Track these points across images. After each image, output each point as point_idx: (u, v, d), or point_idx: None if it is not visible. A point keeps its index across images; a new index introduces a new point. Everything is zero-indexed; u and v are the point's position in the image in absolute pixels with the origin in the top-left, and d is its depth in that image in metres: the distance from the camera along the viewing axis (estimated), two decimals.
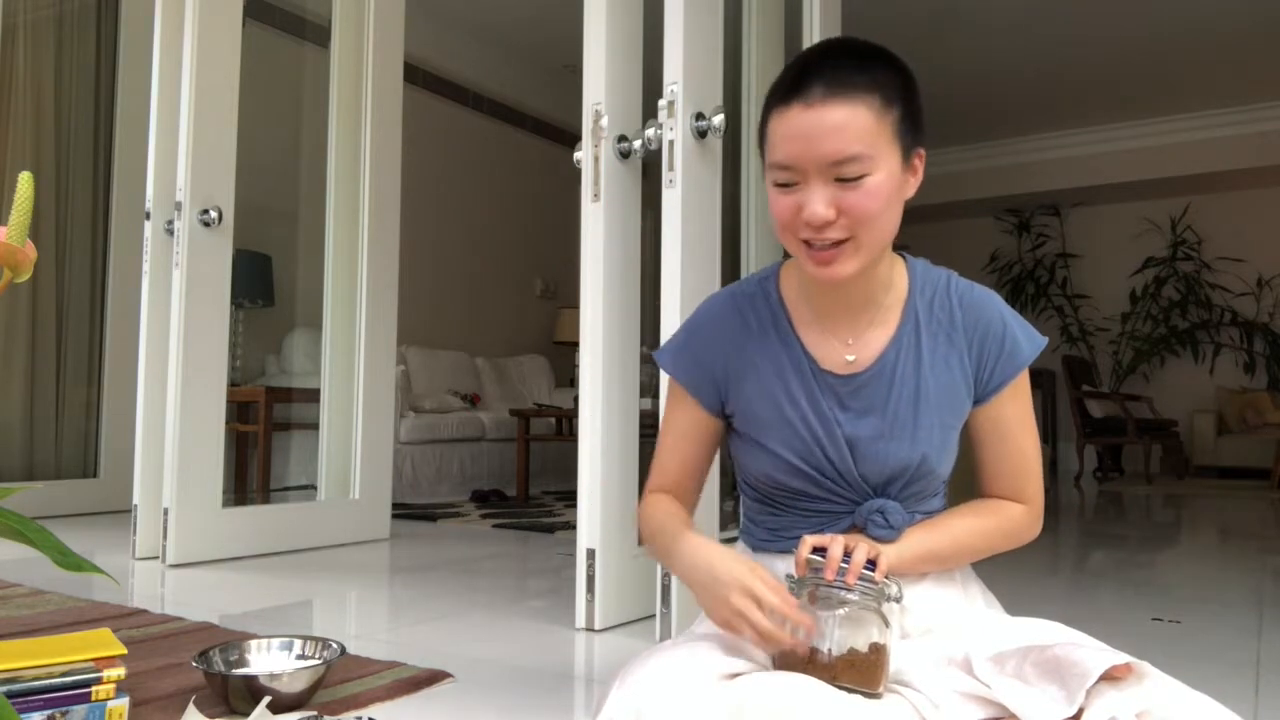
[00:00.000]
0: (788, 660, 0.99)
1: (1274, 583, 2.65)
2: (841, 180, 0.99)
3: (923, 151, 1.07)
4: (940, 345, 1.12)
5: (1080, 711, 0.85)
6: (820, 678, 0.95)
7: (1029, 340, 1.13)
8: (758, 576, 0.98)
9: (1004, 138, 7.69)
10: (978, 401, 1.13)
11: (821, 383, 1.12)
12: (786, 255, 1.17)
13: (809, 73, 1.00)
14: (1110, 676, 0.87)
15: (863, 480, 1.11)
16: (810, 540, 1.02)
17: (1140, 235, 8.04)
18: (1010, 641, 0.97)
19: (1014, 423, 1.14)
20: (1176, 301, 7.75)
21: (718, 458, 1.32)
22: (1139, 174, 7.36)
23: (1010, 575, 2.72)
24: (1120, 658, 0.88)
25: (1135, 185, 7.54)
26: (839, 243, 1.01)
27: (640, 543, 1.25)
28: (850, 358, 1.12)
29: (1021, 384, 1.14)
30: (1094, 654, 0.88)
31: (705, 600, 1.02)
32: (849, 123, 0.97)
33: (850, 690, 0.95)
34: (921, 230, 8.65)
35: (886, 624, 0.98)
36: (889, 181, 1.00)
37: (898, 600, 0.99)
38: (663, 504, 1.19)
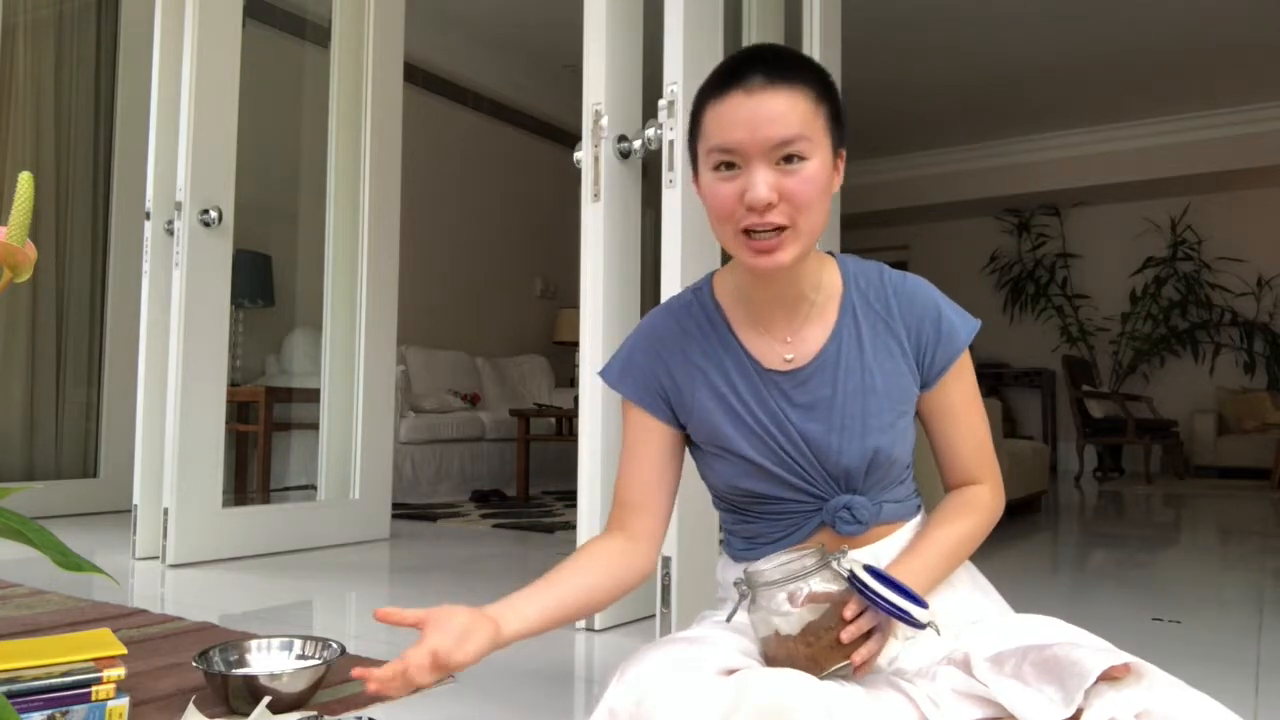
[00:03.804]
0: (774, 659, 1.00)
1: (1274, 583, 2.65)
2: (783, 164, 1.01)
3: (844, 152, 1.09)
4: (880, 335, 1.14)
5: (1079, 712, 0.85)
6: (808, 670, 0.96)
7: (964, 323, 1.16)
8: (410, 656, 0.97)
9: (1004, 138, 7.69)
10: (924, 387, 1.16)
11: (766, 381, 1.14)
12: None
13: (745, 66, 1.03)
14: (1109, 676, 0.87)
15: (825, 475, 1.12)
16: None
17: (1140, 235, 8.04)
18: (1010, 640, 0.97)
19: (961, 405, 1.16)
20: (1176, 301, 7.74)
21: None
22: (1139, 174, 7.36)
23: (1010, 575, 2.72)
24: (1119, 657, 0.88)
25: (1135, 185, 7.54)
26: (779, 229, 1.02)
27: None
28: (789, 356, 1.14)
29: (964, 366, 1.16)
30: (1093, 654, 0.88)
31: None
32: (792, 107, 1.01)
33: (838, 671, 0.97)
34: (921, 230, 8.66)
35: (837, 581, 0.99)
36: (823, 171, 1.03)
37: (839, 559, 1.00)
38: (583, 554, 1.17)
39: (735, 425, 1.14)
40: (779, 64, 1.02)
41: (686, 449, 1.24)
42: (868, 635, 0.99)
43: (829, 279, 1.16)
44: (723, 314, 1.18)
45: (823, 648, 0.97)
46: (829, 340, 1.14)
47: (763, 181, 1.00)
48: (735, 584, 1.02)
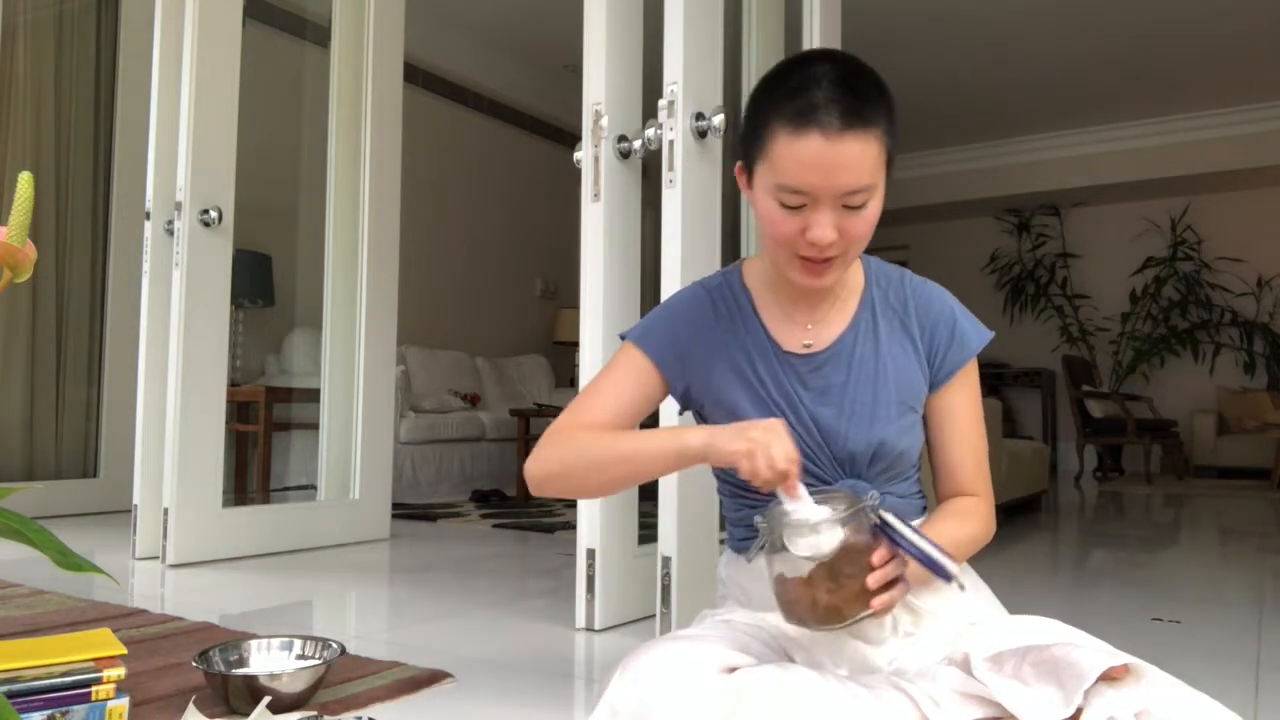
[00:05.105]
0: (793, 603, 0.98)
1: (1274, 583, 2.65)
2: (847, 207, 1.03)
3: None
4: (896, 331, 1.18)
5: (1079, 712, 0.86)
6: (829, 618, 0.96)
7: (977, 332, 1.19)
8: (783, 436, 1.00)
9: (1004, 138, 7.69)
10: (930, 389, 1.19)
11: (783, 363, 1.17)
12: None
13: (821, 99, 1.01)
14: (1108, 676, 0.87)
15: (831, 458, 1.14)
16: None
17: (1140, 235, 8.04)
18: (1009, 641, 0.97)
19: (963, 414, 1.19)
20: (1176, 301, 7.74)
21: None
22: (1139, 174, 7.36)
23: (1010, 575, 2.72)
24: (1119, 658, 0.88)
25: (1135, 185, 7.54)
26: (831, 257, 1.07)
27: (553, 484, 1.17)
28: (808, 342, 1.18)
29: (970, 375, 1.20)
30: (1092, 654, 0.88)
31: (731, 427, 1.02)
32: (864, 157, 1.01)
33: (861, 619, 0.97)
34: (921, 230, 8.65)
35: (868, 534, 0.98)
36: (880, 203, 1.07)
37: (874, 506, 1.00)
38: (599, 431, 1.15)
39: (752, 401, 1.17)
40: (857, 98, 1.01)
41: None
42: (889, 585, 0.98)
43: (853, 275, 1.21)
44: (750, 298, 1.22)
45: (846, 595, 0.96)
46: (847, 330, 1.18)
47: (829, 225, 1.03)
48: (755, 523, 1.02)
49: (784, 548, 0.98)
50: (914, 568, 1.00)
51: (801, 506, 0.99)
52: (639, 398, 1.20)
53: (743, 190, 1.13)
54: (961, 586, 1.00)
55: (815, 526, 0.97)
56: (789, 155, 1.02)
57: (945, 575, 0.96)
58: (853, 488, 1.13)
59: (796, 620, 0.99)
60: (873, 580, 0.96)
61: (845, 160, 1.00)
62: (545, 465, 1.14)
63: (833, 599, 0.96)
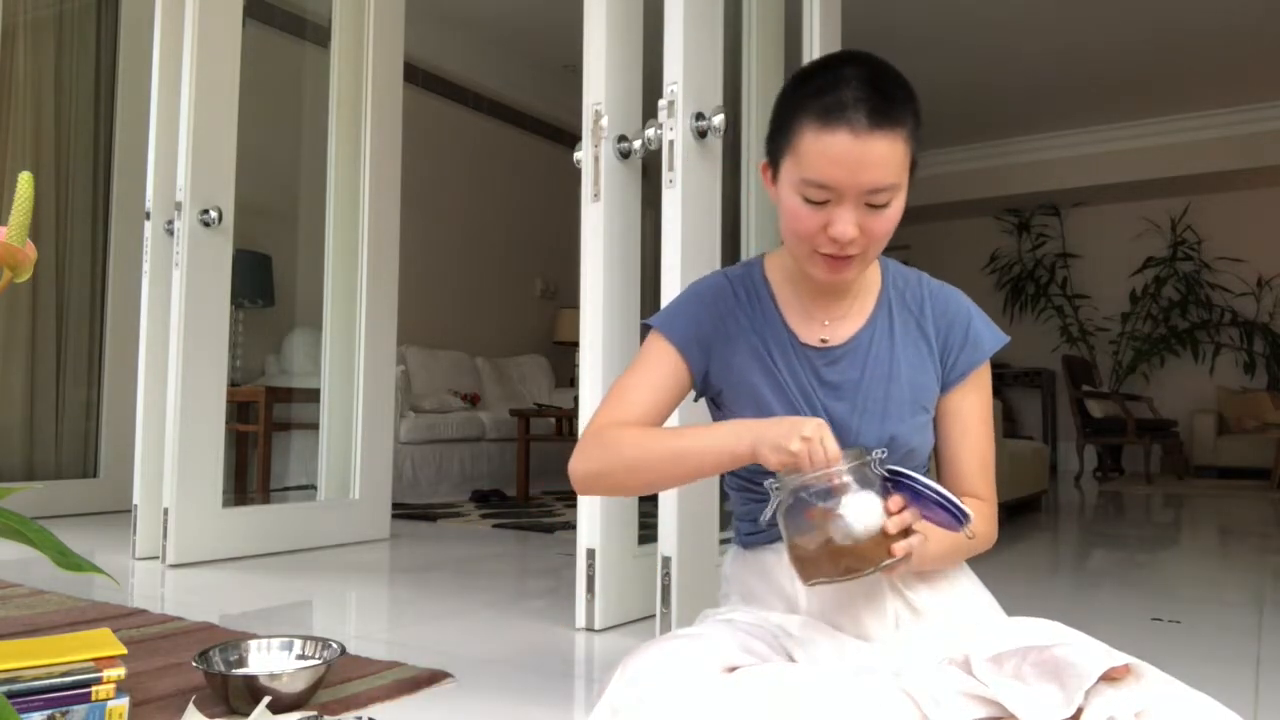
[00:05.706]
0: (811, 559, 0.99)
1: (1274, 583, 2.66)
2: (870, 205, 1.04)
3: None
4: (911, 331, 1.19)
5: (1079, 711, 0.86)
6: (851, 568, 0.97)
7: (991, 335, 1.21)
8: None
9: (1004, 138, 7.69)
10: (942, 390, 1.20)
11: (799, 354, 1.19)
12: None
13: (850, 99, 1.02)
14: (1109, 676, 0.87)
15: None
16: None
17: (1140, 235, 8.04)
18: (1010, 641, 0.97)
19: (973, 416, 1.21)
20: (1176, 301, 7.74)
21: None
22: (1139, 174, 7.36)
23: (1010, 575, 2.72)
24: (1119, 658, 0.88)
25: (1135, 185, 7.54)
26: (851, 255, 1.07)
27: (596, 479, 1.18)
28: (825, 337, 1.19)
29: (982, 378, 1.21)
30: (1093, 655, 0.88)
31: (778, 430, 1.02)
32: (890, 155, 1.02)
33: (882, 567, 0.97)
34: (922, 230, 8.64)
35: (879, 486, 1.00)
36: (902, 203, 1.07)
37: (880, 461, 1.02)
38: (638, 428, 1.16)
39: (771, 387, 1.18)
40: (885, 99, 1.02)
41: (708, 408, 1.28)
42: (905, 533, 1.00)
43: (870, 275, 1.22)
44: (770, 290, 1.23)
45: (866, 547, 0.97)
46: (863, 328, 1.19)
47: (851, 221, 1.04)
48: (766, 484, 1.02)
49: (800, 514, 0.99)
50: (924, 524, 1.02)
51: (846, 499, 0.99)
52: (671, 388, 1.21)
53: (766, 187, 1.15)
54: (970, 535, 1.02)
55: (848, 513, 0.98)
56: (816, 151, 1.03)
57: (960, 517, 0.98)
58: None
59: (818, 577, 1.00)
60: (892, 525, 0.97)
61: (872, 158, 1.01)
62: (591, 465, 1.15)
63: (854, 551, 0.97)
